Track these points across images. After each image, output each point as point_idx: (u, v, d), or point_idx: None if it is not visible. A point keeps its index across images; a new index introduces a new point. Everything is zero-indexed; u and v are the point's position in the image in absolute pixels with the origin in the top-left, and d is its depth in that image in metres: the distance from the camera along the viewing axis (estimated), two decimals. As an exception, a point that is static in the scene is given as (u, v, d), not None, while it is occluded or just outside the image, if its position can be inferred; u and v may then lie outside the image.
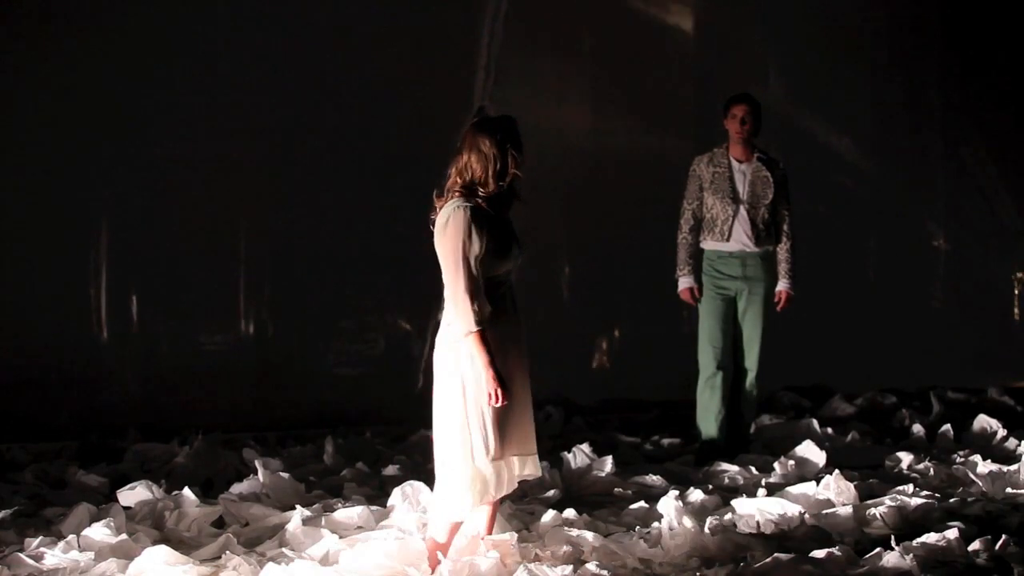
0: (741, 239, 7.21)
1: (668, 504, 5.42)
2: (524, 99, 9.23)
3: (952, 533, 5.08)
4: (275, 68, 8.34)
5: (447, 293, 4.44)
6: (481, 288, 4.41)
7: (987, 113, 11.58)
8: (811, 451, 6.86)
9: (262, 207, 8.44)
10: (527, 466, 4.59)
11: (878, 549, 4.88)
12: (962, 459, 6.90)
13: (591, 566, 4.64)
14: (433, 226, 4.53)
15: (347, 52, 8.52)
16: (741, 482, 6.49)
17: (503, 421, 4.48)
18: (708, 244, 7.28)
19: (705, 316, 7.28)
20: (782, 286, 7.30)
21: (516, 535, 5.03)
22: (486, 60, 9.05)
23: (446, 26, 8.96)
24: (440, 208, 4.51)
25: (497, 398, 4.41)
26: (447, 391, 4.49)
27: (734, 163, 7.24)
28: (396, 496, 5.50)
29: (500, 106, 8.83)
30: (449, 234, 4.40)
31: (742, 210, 7.20)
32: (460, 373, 4.45)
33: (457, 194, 4.48)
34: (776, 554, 4.76)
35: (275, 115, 8.35)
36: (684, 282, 7.27)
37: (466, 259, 4.38)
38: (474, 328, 4.37)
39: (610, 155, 9.69)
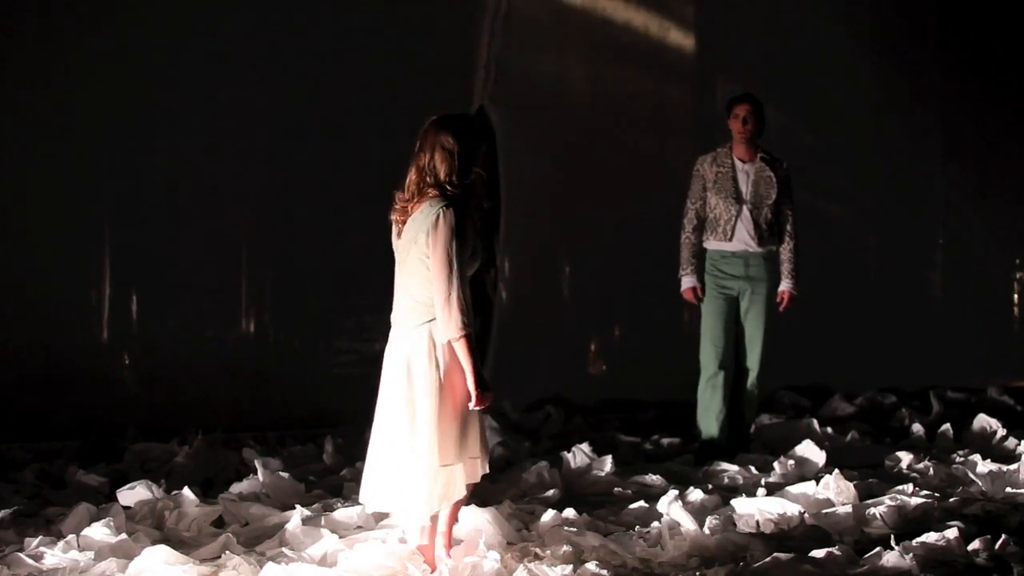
0: (744, 239, 7.20)
1: (668, 504, 5.42)
2: (524, 99, 9.22)
3: (952, 533, 5.09)
4: (276, 68, 8.33)
5: (436, 295, 4.35)
6: (468, 290, 4.37)
7: (987, 112, 11.57)
8: (811, 451, 6.86)
9: (262, 207, 8.43)
10: (479, 469, 4.55)
11: (878, 549, 4.89)
12: (962, 459, 6.91)
13: (591, 566, 4.64)
14: (401, 224, 4.47)
15: (347, 52, 8.50)
16: (741, 482, 6.49)
17: (466, 425, 4.44)
18: (711, 244, 7.27)
19: (707, 316, 7.27)
20: (785, 286, 7.30)
21: (515, 535, 5.04)
22: (486, 59, 9.04)
23: (446, 26, 8.95)
24: (411, 208, 4.43)
25: (482, 400, 4.37)
26: (419, 392, 4.39)
27: (737, 163, 7.24)
28: (396, 496, 5.49)
29: (500, 106, 8.92)
30: (441, 236, 4.33)
31: (745, 210, 7.19)
32: (435, 375, 4.38)
33: (434, 195, 4.41)
34: (776, 554, 4.76)
35: (275, 115, 8.34)
36: (687, 282, 7.27)
37: (459, 260, 4.33)
38: (465, 331, 4.32)
39: (610, 155, 9.67)
